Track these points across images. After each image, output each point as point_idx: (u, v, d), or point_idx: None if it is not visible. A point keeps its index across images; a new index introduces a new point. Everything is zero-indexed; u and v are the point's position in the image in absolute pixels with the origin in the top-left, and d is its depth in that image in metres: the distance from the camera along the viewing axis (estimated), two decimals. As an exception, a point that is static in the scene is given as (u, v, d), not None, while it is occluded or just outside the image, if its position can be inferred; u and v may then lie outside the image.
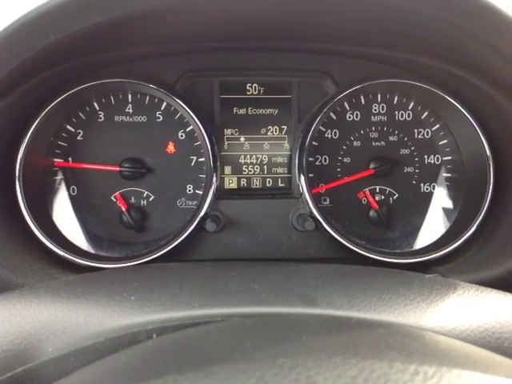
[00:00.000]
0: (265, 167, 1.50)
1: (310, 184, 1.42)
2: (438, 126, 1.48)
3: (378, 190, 1.49)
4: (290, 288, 0.82)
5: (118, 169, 1.42)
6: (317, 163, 1.49)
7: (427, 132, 1.49)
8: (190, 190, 1.46)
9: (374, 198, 1.48)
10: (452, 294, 0.82)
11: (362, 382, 0.44)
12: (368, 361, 0.47)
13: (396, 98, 1.48)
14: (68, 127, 1.42)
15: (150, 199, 1.45)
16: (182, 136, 1.45)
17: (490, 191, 1.35)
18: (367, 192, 1.49)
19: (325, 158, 1.49)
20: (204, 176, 1.45)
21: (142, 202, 1.45)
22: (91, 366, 0.62)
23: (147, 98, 1.43)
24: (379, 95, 1.48)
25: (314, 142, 1.46)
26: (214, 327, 0.67)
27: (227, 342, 0.59)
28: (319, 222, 1.38)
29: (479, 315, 0.76)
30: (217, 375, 0.46)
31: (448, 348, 0.60)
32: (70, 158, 1.43)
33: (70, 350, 0.72)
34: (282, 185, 1.50)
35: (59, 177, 1.43)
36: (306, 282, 0.85)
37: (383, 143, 1.48)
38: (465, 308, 0.78)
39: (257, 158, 1.50)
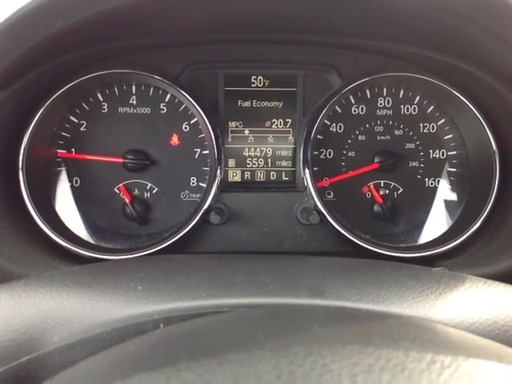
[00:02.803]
0: (269, 160, 1.49)
1: (315, 178, 1.41)
2: (443, 120, 1.47)
3: (382, 185, 1.49)
4: (298, 280, 0.81)
5: (121, 160, 1.41)
6: (321, 157, 1.48)
7: (433, 126, 1.48)
8: (193, 183, 1.46)
9: (378, 192, 1.48)
10: (460, 287, 0.81)
11: (378, 370, 0.43)
12: (383, 350, 0.46)
13: (402, 92, 1.47)
14: (71, 118, 1.41)
15: (154, 191, 1.45)
16: (186, 128, 1.44)
17: (496, 186, 1.34)
18: (372, 186, 1.48)
19: (329, 152, 1.48)
20: (208, 169, 1.44)
21: (146, 194, 1.44)
22: (99, 355, 0.61)
23: (151, 89, 1.42)
24: (385, 89, 1.47)
25: (318, 136, 1.45)
26: (223, 317, 0.66)
27: (238, 332, 0.58)
28: (324, 215, 1.37)
29: (488, 308, 0.75)
30: (231, 363, 0.45)
31: (460, 339, 0.59)
32: (73, 149, 1.42)
33: (75, 339, 0.71)
34: (286, 178, 1.50)
35: (62, 168, 1.42)
36: (313, 274, 0.84)
37: (388, 137, 1.48)
38: (473, 301, 0.77)
39: (261, 151, 1.49)
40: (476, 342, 0.61)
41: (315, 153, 1.46)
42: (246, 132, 1.48)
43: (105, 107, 1.42)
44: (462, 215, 1.43)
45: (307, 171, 1.40)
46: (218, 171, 1.39)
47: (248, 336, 0.55)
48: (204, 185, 1.44)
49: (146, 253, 1.29)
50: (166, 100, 1.43)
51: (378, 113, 1.47)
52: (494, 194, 1.34)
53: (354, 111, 1.48)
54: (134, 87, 1.42)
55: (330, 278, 0.82)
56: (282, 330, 0.55)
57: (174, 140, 1.44)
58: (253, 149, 1.48)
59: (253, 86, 1.46)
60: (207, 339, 0.56)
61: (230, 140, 1.47)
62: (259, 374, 0.43)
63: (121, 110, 1.42)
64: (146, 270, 0.86)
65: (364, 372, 0.43)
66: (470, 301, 0.77)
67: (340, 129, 1.48)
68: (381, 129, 1.48)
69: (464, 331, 0.69)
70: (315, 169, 1.45)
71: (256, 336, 0.53)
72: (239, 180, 1.49)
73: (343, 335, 0.53)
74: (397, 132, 1.48)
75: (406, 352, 0.46)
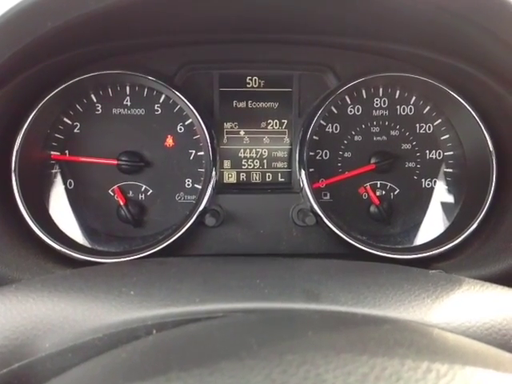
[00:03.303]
0: (264, 161, 1.48)
1: (311, 179, 1.40)
2: (439, 120, 1.46)
3: (378, 186, 1.48)
4: (293, 283, 0.80)
5: (115, 162, 1.39)
6: (317, 158, 1.47)
7: (429, 127, 1.47)
8: (188, 185, 1.44)
9: (374, 193, 1.47)
10: (457, 290, 0.80)
11: (373, 379, 0.42)
12: (378, 358, 0.45)
13: (398, 92, 1.46)
14: (65, 119, 1.40)
15: (148, 193, 1.44)
16: (180, 129, 1.43)
17: (493, 187, 1.33)
18: (368, 187, 1.47)
19: (325, 153, 1.47)
20: (203, 170, 1.43)
21: (140, 196, 1.43)
22: (90, 362, 0.60)
23: (145, 90, 1.41)
24: (381, 89, 1.46)
25: (314, 137, 1.44)
26: (215, 323, 0.65)
27: (230, 339, 0.57)
28: (320, 217, 1.36)
29: (485, 312, 0.74)
30: (222, 372, 0.44)
31: (457, 345, 0.58)
32: (66, 151, 1.41)
33: (67, 345, 0.70)
34: (282, 179, 1.49)
35: (56, 170, 1.41)
36: (308, 278, 0.83)
37: (384, 138, 1.47)
38: (470, 304, 0.77)
39: (256, 152, 1.48)
40: (473, 347, 0.60)
41: (311, 154, 1.45)
42: (242, 133, 1.47)
43: (98, 108, 1.41)
44: (458, 216, 1.42)
45: (303, 172, 1.39)
46: (214, 172, 1.38)
47: (241, 343, 0.54)
48: (199, 186, 1.43)
49: (140, 255, 1.27)
50: (161, 101, 1.42)
51: (374, 113, 1.47)
52: (491, 194, 1.33)
53: (350, 111, 1.47)
54: (127, 88, 1.41)
55: (326, 281, 0.81)
56: (275, 337, 0.54)
57: (169, 141, 1.43)
58: (248, 150, 1.47)
59: (248, 86, 1.45)
60: (198, 347, 0.55)
61: (225, 141, 1.46)
62: (251, 385, 0.42)
63: (115, 111, 1.41)
64: (139, 274, 0.85)
65: (358, 382, 0.42)
66: (467, 304, 0.76)
67: (336, 129, 1.47)
68: (377, 129, 1.47)
69: (461, 336, 0.68)
70: (311, 170, 1.44)
71: (249, 343, 0.52)
72: (235, 181, 1.48)
73: (338, 342, 0.52)
74: (393, 132, 1.47)
75: (402, 360, 0.45)
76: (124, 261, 1.24)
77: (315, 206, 1.36)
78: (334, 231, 1.35)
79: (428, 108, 1.46)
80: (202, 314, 0.71)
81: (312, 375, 0.42)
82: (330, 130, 1.47)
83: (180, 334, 0.62)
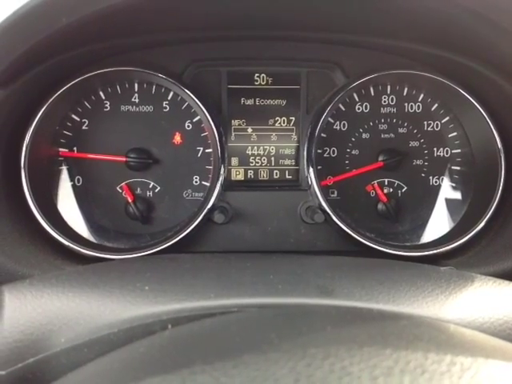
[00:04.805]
0: (272, 159, 1.48)
1: (319, 176, 1.40)
2: (447, 118, 1.46)
3: (386, 183, 1.48)
4: (306, 279, 0.80)
5: (123, 159, 1.39)
6: (325, 155, 1.47)
7: (437, 124, 1.47)
8: (196, 182, 1.44)
9: (382, 190, 1.47)
10: (470, 287, 0.80)
11: (398, 372, 0.42)
12: (402, 351, 0.46)
13: (406, 90, 1.46)
14: (73, 116, 1.40)
15: (156, 190, 1.44)
16: (188, 126, 1.43)
17: (501, 184, 1.33)
18: (376, 185, 1.47)
19: (333, 150, 1.47)
20: (211, 167, 1.43)
21: (148, 193, 1.43)
22: (106, 357, 0.60)
23: (154, 87, 1.41)
24: (389, 86, 1.46)
25: (322, 134, 1.44)
26: (232, 318, 0.65)
27: (249, 333, 0.57)
28: (328, 214, 1.36)
29: (498, 307, 0.75)
30: (247, 365, 0.44)
31: (475, 340, 0.59)
32: (75, 148, 1.41)
33: (82, 340, 0.70)
34: (290, 177, 1.49)
35: (64, 167, 1.41)
36: (321, 274, 0.83)
37: (392, 135, 1.47)
38: (483, 300, 0.77)
39: (264, 150, 1.48)
40: (490, 342, 0.60)
41: (319, 151, 1.45)
42: (250, 130, 1.47)
43: (107, 105, 1.41)
44: (466, 214, 1.42)
45: (311, 170, 1.39)
46: (222, 170, 1.38)
47: (260, 337, 0.54)
48: (207, 183, 1.43)
49: (149, 252, 1.27)
50: (169, 98, 1.42)
51: (382, 111, 1.47)
52: (499, 192, 1.33)
53: (358, 109, 1.47)
54: (136, 85, 1.41)
55: (339, 277, 0.82)
56: (294, 331, 0.55)
57: (177, 138, 1.43)
58: (256, 147, 1.47)
59: (256, 83, 1.45)
60: (218, 340, 0.55)
61: (233, 138, 1.46)
62: (277, 377, 0.42)
63: (123, 108, 1.41)
64: (153, 269, 0.85)
65: (384, 375, 0.42)
66: (480, 300, 0.76)
67: (344, 127, 1.47)
68: (385, 127, 1.47)
69: (476, 331, 0.68)
70: (319, 167, 1.44)
71: (269, 337, 0.52)
72: (242, 179, 1.48)
73: (358, 336, 0.52)
74: (401, 130, 1.47)
75: (425, 354, 0.46)
76: (136, 257, 1.24)
77: (323, 204, 1.36)
78: (342, 228, 1.35)
79: (436, 105, 1.47)
80: (216, 309, 0.71)
81: (337, 368, 0.42)
82: (338, 128, 1.47)
83: (197, 329, 0.62)
